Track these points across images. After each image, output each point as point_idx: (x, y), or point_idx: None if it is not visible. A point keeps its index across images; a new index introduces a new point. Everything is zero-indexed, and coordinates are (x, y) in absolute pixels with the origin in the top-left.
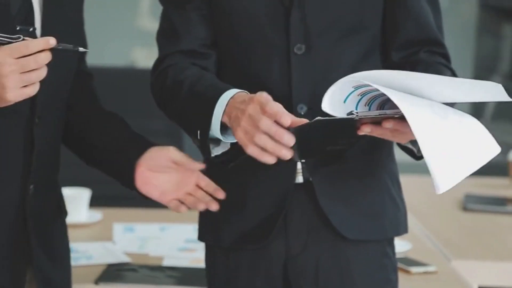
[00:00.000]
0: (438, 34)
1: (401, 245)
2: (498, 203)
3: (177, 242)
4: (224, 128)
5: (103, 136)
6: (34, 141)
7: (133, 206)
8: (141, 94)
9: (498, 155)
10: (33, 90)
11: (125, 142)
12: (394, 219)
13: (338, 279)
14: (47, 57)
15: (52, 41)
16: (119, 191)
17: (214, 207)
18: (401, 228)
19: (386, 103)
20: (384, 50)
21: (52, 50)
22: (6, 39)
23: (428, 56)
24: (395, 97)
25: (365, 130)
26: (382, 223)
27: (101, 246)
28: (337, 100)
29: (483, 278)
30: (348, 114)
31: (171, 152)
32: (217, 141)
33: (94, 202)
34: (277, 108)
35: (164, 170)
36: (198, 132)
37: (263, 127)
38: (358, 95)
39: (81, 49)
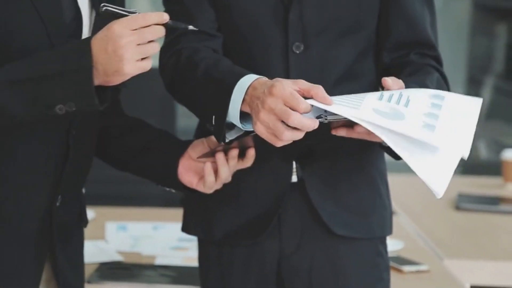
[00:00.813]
0: (430, 36)
1: (393, 244)
2: (491, 202)
3: (170, 241)
4: (242, 115)
5: (141, 137)
6: (68, 153)
7: (126, 205)
8: (137, 92)
9: (492, 154)
10: (148, 64)
11: (164, 139)
12: (381, 218)
13: (331, 277)
14: (161, 30)
15: (165, 17)
16: (112, 190)
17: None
18: (387, 228)
19: None
20: (377, 50)
21: (164, 25)
22: (123, 12)
23: (418, 58)
24: (352, 116)
25: (340, 133)
26: (370, 222)
27: (94, 245)
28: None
29: (475, 277)
30: (318, 117)
31: (210, 141)
32: (232, 126)
33: (87, 201)
34: (303, 103)
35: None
36: (213, 117)
37: (294, 122)
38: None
39: (190, 27)
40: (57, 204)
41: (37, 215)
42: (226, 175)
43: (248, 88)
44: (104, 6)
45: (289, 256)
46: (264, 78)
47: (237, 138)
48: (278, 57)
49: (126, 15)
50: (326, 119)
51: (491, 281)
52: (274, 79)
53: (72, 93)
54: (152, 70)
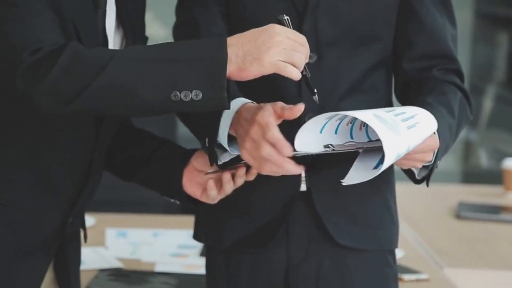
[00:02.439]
0: (452, 48)
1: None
2: (491, 211)
3: (170, 248)
4: (232, 138)
5: (145, 148)
6: (90, 173)
7: (126, 212)
8: None
9: (493, 163)
10: (289, 69)
11: (168, 149)
12: (388, 231)
13: (339, 287)
14: (308, 55)
15: (312, 60)
16: (112, 196)
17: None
18: (394, 242)
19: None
20: (396, 61)
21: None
22: (289, 23)
23: (441, 74)
24: (365, 117)
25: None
26: (377, 234)
27: (93, 251)
28: (312, 134)
29: (475, 287)
30: (325, 146)
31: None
32: (225, 149)
33: (87, 207)
34: (277, 137)
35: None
36: (206, 140)
37: (264, 155)
38: (335, 121)
39: (315, 97)
40: (70, 220)
41: (50, 229)
42: (230, 190)
43: (236, 113)
44: (285, 15)
45: (296, 265)
46: (251, 104)
47: (230, 162)
48: None
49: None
50: (333, 149)
51: None
52: (260, 105)
53: (203, 81)
54: None
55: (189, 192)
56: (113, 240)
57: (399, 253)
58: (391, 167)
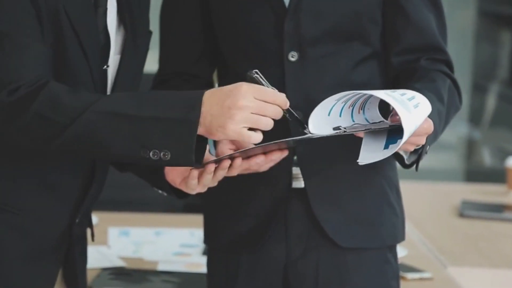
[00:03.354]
0: (440, 40)
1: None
2: (495, 209)
3: (172, 247)
4: None
5: None
6: (94, 175)
7: (128, 210)
8: None
9: (496, 161)
10: (255, 136)
11: None
12: (391, 226)
13: (338, 284)
14: (280, 113)
15: (287, 104)
16: (114, 195)
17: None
18: (399, 236)
19: (365, 103)
20: (383, 55)
21: (284, 111)
22: (266, 83)
23: (429, 64)
24: (381, 95)
25: (359, 135)
26: (379, 231)
27: (96, 250)
28: (322, 117)
29: (479, 285)
30: (334, 129)
31: None
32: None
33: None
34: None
35: None
36: None
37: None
38: (341, 103)
39: (307, 130)
40: (77, 221)
41: (59, 231)
42: (208, 182)
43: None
44: (256, 73)
45: (295, 261)
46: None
47: (214, 160)
48: (274, 66)
49: (266, 87)
50: (345, 131)
51: None
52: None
53: (172, 142)
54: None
55: (169, 180)
56: (116, 239)
57: (402, 251)
58: (388, 161)
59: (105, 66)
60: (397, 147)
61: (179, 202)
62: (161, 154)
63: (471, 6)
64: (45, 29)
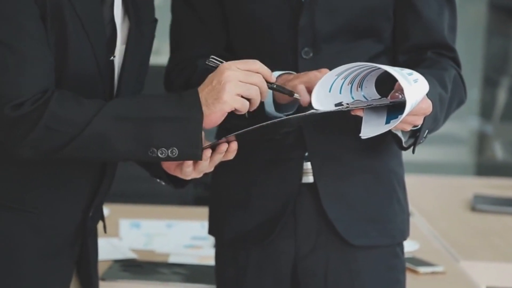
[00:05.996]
0: (448, 39)
1: (409, 245)
2: (507, 203)
3: (183, 239)
4: None
5: None
6: (106, 171)
7: (140, 203)
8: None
9: (508, 155)
10: (247, 104)
11: None
12: (400, 223)
13: (348, 280)
14: (263, 82)
15: (274, 78)
16: (126, 187)
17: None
18: (406, 232)
19: (363, 81)
20: (392, 53)
21: (269, 84)
22: (217, 62)
23: (435, 56)
24: (384, 67)
25: (358, 113)
26: (389, 228)
27: (107, 242)
28: (323, 93)
29: (491, 279)
30: (336, 105)
31: None
32: None
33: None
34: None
35: None
36: None
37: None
38: (341, 79)
39: (296, 95)
40: (90, 215)
41: (73, 226)
42: (204, 168)
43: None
44: (212, 57)
45: (304, 257)
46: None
47: (211, 145)
48: (288, 62)
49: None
50: (347, 106)
51: (508, 283)
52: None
53: (179, 139)
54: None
55: (164, 167)
56: (127, 231)
57: (414, 246)
58: (397, 157)
59: (112, 57)
60: (398, 121)
61: (191, 195)
62: (169, 151)
63: (482, 0)
64: (49, 24)
